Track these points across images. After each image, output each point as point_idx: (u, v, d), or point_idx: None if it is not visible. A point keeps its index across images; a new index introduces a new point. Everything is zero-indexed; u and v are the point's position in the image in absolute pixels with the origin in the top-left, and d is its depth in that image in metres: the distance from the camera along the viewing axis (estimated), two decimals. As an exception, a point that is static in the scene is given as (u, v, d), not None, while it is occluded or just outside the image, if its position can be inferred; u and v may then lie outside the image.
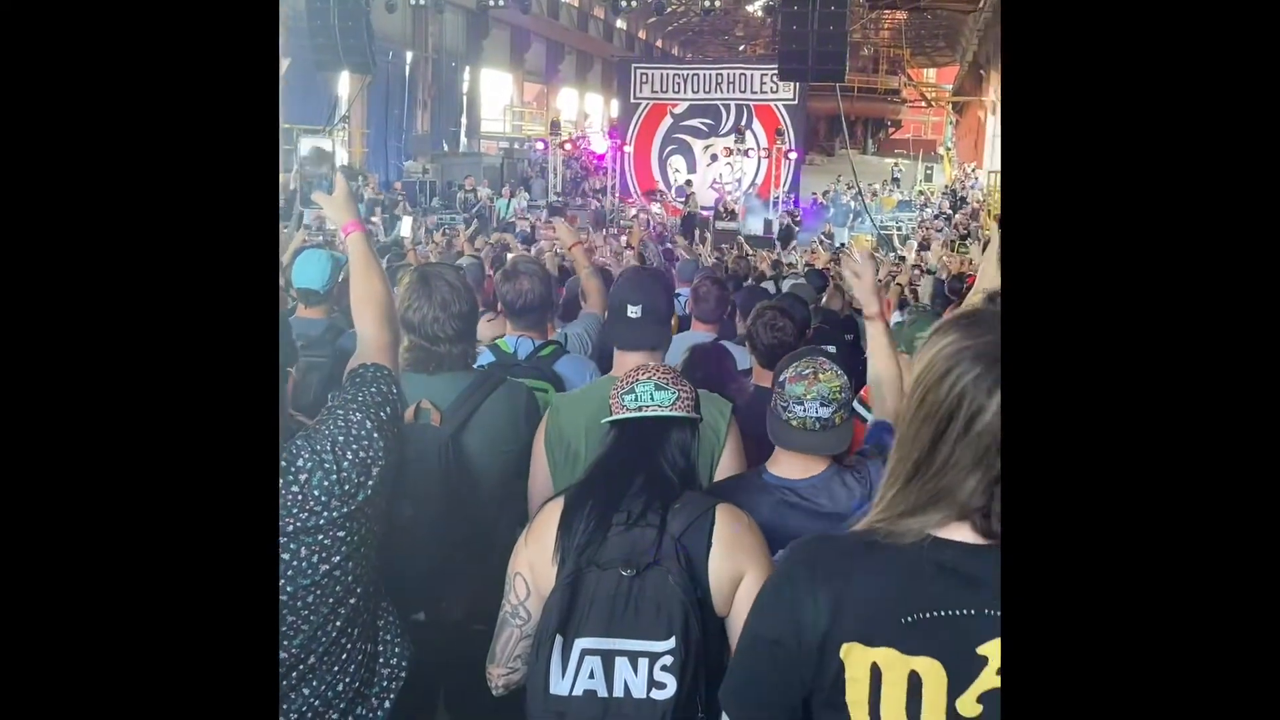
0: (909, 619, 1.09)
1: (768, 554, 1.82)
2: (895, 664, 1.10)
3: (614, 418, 1.91)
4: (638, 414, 1.87)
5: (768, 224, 20.83)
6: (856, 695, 1.12)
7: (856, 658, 1.12)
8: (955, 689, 1.08)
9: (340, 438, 1.74)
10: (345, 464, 1.72)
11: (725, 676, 1.28)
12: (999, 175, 19.69)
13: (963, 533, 1.11)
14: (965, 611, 1.08)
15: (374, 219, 14.67)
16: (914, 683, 1.09)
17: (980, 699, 1.07)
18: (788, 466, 2.16)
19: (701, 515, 1.78)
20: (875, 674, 1.11)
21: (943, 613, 1.09)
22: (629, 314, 2.51)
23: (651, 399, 1.87)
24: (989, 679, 1.07)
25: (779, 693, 1.18)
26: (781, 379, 2.15)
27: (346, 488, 1.71)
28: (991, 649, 1.06)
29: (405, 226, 13.33)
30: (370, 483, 1.75)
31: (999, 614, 1.04)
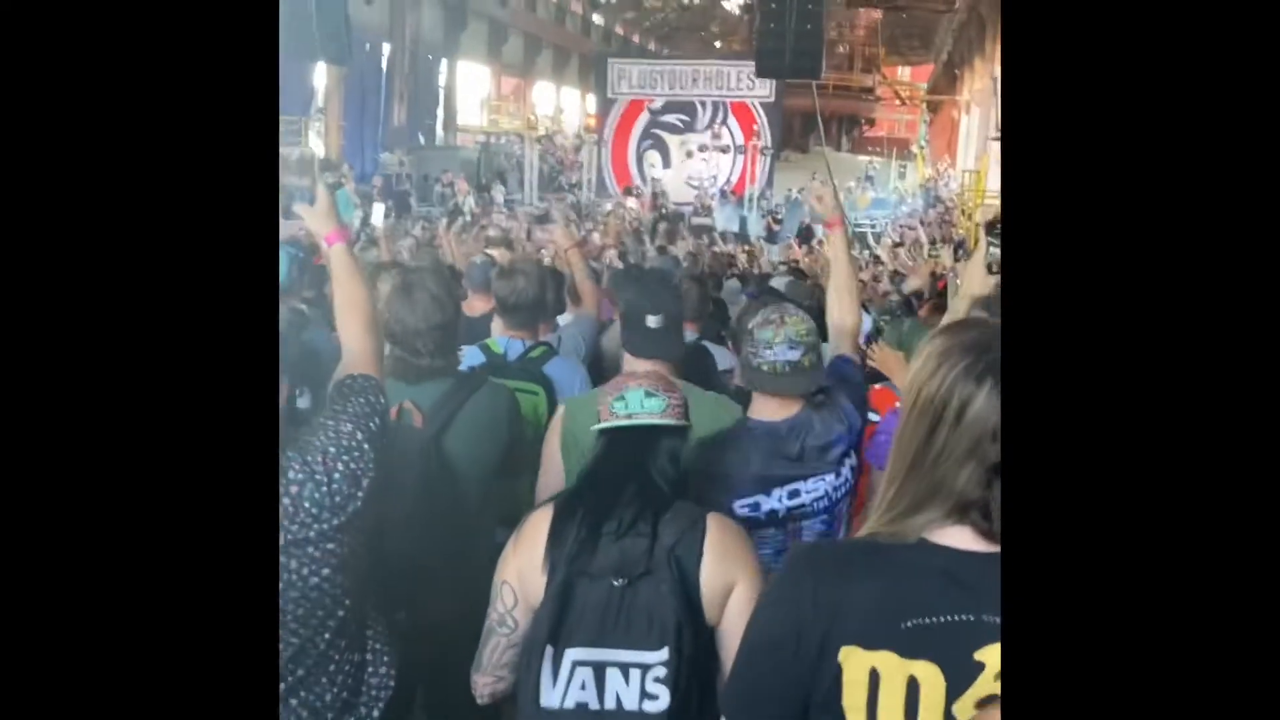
0: (909, 624, 1.11)
1: (758, 563, 1.82)
2: (894, 668, 1.11)
3: (604, 425, 1.88)
4: (628, 422, 1.85)
5: (742, 221, 20.85)
6: (854, 699, 1.13)
7: (855, 662, 1.13)
8: (953, 693, 1.10)
9: (331, 449, 1.72)
10: (336, 476, 1.70)
11: (726, 682, 1.29)
12: (973, 174, 19.83)
13: (962, 537, 1.13)
14: (964, 617, 1.10)
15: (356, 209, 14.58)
16: (912, 687, 1.11)
17: (978, 704, 1.09)
18: (765, 409, 2.22)
19: (693, 525, 1.76)
20: (874, 678, 1.12)
21: (942, 618, 1.10)
22: (649, 324, 2.46)
23: (642, 406, 1.84)
24: (986, 684, 1.09)
25: (780, 697, 1.19)
26: (750, 326, 2.21)
27: (337, 500, 1.70)
28: (988, 654, 1.08)
29: (377, 214, 13.22)
30: (360, 494, 1.74)
31: (997, 619, 1.05)
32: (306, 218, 2.10)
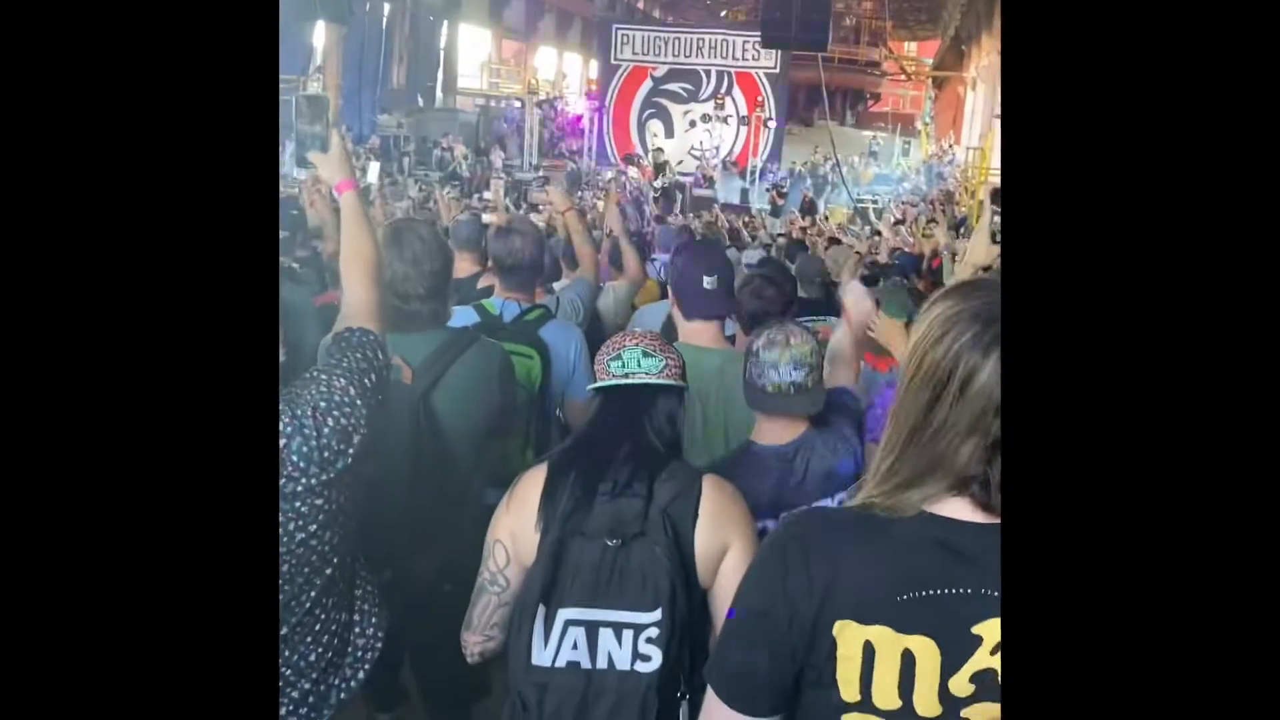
0: (904, 597, 1.07)
1: (754, 526, 1.80)
2: (889, 642, 1.07)
3: (600, 384, 1.86)
4: (624, 381, 1.82)
5: (744, 193, 20.77)
6: (848, 674, 1.09)
7: (850, 635, 1.09)
8: (949, 668, 1.06)
9: (322, 403, 1.68)
10: (325, 431, 1.67)
11: (713, 652, 1.24)
12: (977, 152, 19.75)
13: (961, 509, 1.08)
14: (961, 590, 1.06)
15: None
16: (907, 661, 1.07)
17: (973, 679, 1.05)
18: (770, 433, 2.21)
19: (688, 486, 1.74)
20: (869, 652, 1.08)
21: (939, 591, 1.06)
22: (705, 285, 2.58)
23: (639, 366, 1.82)
24: (983, 659, 1.05)
25: (769, 669, 1.14)
26: (755, 347, 2.20)
27: (326, 455, 1.66)
28: (986, 629, 1.04)
29: (372, 172, 13.17)
30: (351, 450, 1.70)
31: (996, 593, 1.02)
32: (320, 165, 2.06)
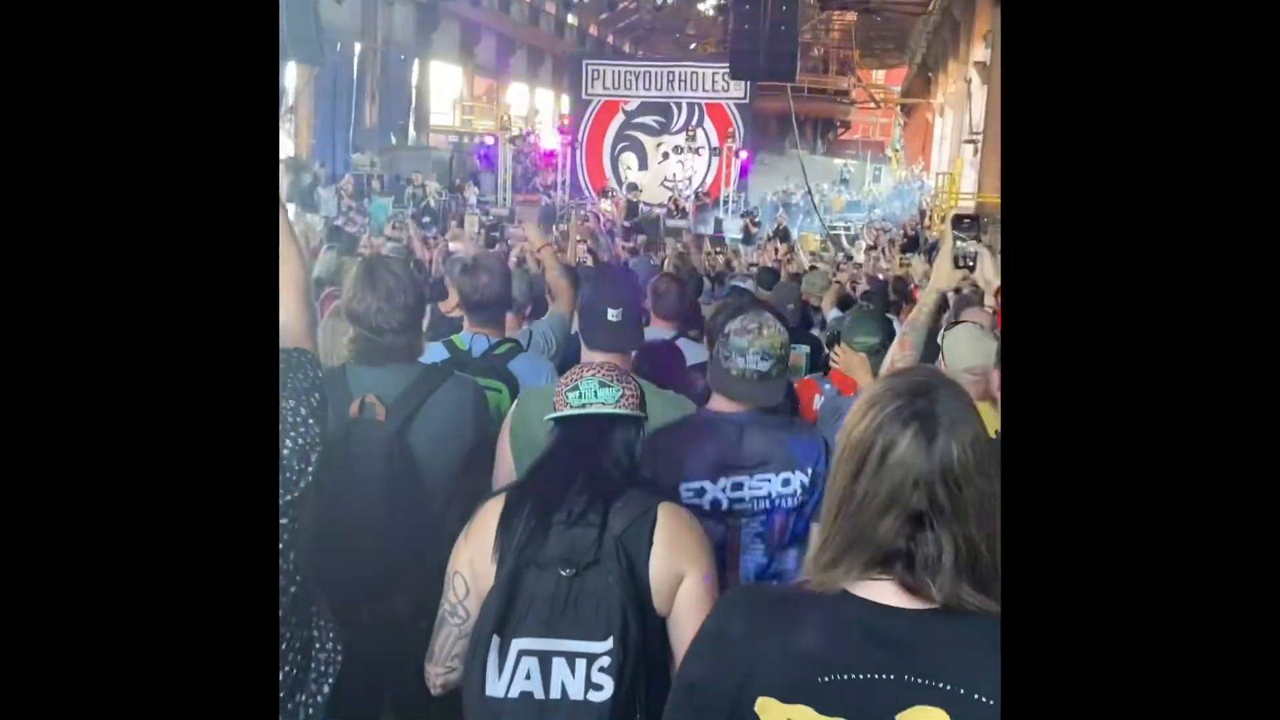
0: (826, 679, 1.07)
1: (709, 553, 1.80)
2: None
3: (557, 414, 1.86)
4: (581, 411, 1.83)
5: (718, 223, 20.88)
6: None
7: (771, 714, 1.08)
8: None
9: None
10: (285, 452, 1.69)
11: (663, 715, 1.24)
12: (945, 177, 19.97)
13: (885, 592, 1.09)
14: (884, 676, 1.05)
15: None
16: None
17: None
18: (723, 405, 2.27)
19: (643, 514, 1.74)
20: None
21: (861, 676, 1.06)
22: (610, 317, 2.48)
23: (596, 396, 1.83)
24: None
25: None
26: (727, 329, 2.23)
27: (289, 476, 1.68)
28: (912, 717, 1.03)
29: (379, 217, 13.28)
30: (310, 469, 1.72)
31: (921, 680, 1.02)
32: None
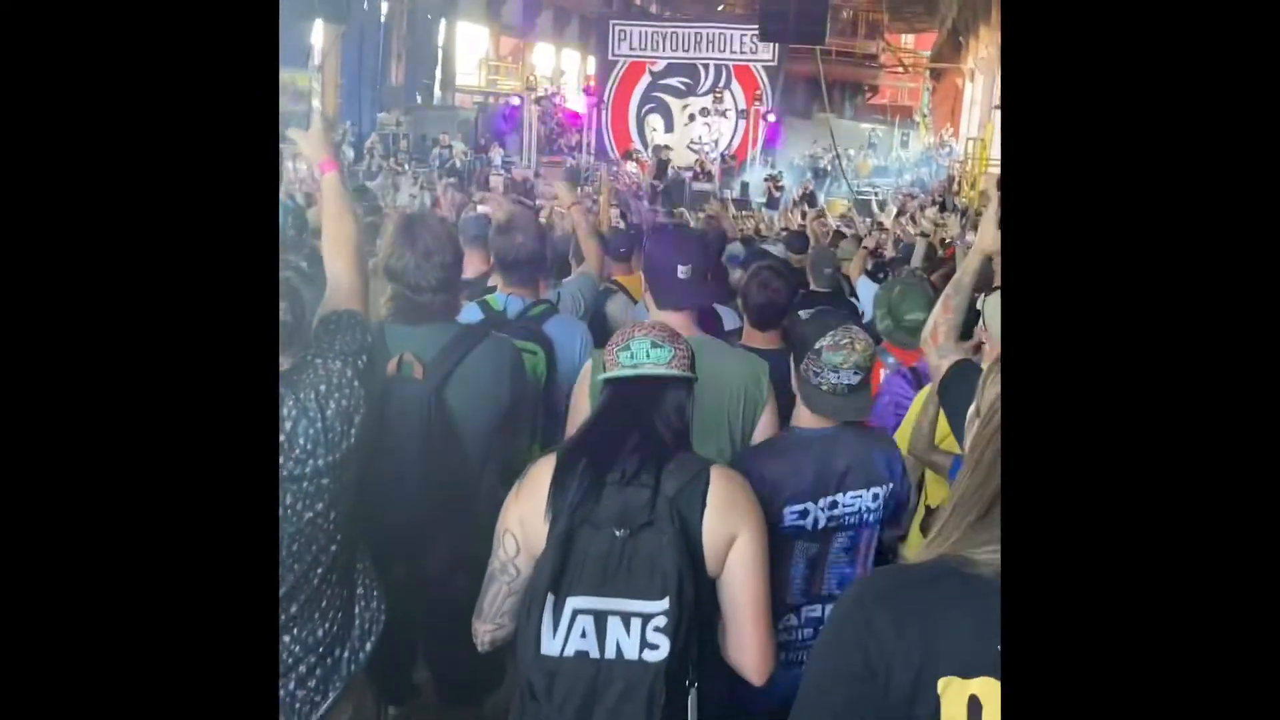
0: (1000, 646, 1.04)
1: (761, 515, 1.81)
2: (994, 693, 1.04)
3: (609, 375, 1.86)
4: (633, 371, 1.83)
5: (744, 186, 20.76)
6: None
7: (954, 692, 1.06)
8: None
9: (322, 386, 1.72)
10: (329, 413, 1.71)
11: (792, 711, 1.18)
12: (976, 143, 19.72)
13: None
14: None
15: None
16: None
17: None
18: (810, 421, 2.25)
19: (696, 476, 1.75)
20: (974, 707, 1.05)
21: None
22: (679, 274, 2.47)
23: (648, 357, 1.82)
24: None
25: None
26: (819, 346, 2.20)
27: (331, 436, 1.71)
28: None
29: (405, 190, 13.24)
30: (353, 431, 1.75)
31: None
32: (300, 143, 2.06)
